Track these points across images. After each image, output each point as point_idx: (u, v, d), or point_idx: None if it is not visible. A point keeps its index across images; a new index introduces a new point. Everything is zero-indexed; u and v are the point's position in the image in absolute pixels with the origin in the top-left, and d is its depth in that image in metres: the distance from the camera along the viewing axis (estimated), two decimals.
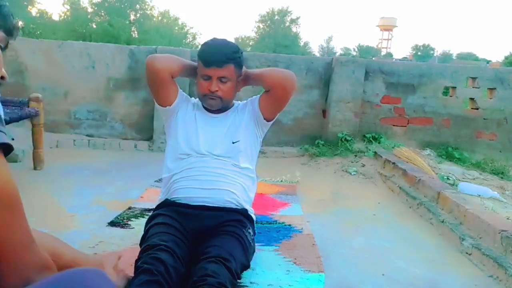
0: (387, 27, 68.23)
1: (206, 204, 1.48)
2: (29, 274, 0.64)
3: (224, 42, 1.51)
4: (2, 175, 0.53)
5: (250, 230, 1.51)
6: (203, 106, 1.60)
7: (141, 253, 1.27)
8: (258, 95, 1.64)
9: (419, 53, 51.49)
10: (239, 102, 1.69)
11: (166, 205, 1.53)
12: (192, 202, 1.48)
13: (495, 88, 3.99)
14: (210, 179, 1.50)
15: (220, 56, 1.45)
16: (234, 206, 1.52)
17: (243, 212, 1.54)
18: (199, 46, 1.53)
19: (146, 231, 1.43)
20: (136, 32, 24.94)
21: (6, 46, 0.76)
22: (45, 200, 2.31)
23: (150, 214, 1.58)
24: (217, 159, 1.52)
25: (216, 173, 1.51)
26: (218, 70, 1.45)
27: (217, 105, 1.54)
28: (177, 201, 1.51)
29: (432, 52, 52.52)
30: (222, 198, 1.49)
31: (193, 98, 1.71)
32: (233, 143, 1.54)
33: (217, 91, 1.48)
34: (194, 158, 1.52)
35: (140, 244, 1.41)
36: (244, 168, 1.57)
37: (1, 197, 0.57)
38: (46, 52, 3.83)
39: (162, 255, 1.22)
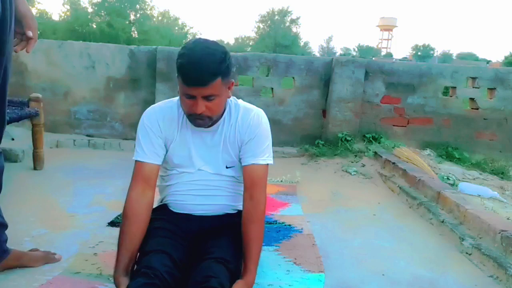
0: (387, 27, 68.26)
1: (206, 214, 1.46)
2: None
3: (206, 52, 1.20)
4: None
5: None
6: None
7: (139, 257, 1.28)
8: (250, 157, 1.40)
9: (419, 53, 51.48)
10: (234, 101, 1.44)
11: (164, 208, 1.51)
12: (192, 213, 1.47)
13: (495, 88, 3.99)
14: (207, 194, 1.44)
15: (202, 73, 1.19)
16: (234, 212, 1.51)
17: (240, 214, 1.51)
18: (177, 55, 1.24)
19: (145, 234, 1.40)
20: (136, 32, 24.96)
21: None
22: (45, 200, 2.31)
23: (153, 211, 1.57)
24: (212, 173, 1.45)
25: (212, 186, 1.44)
26: (202, 89, 1.21)
27: (206, 125, 1.33)
28: (176, 211, 1.49)
29: (432, 52, 52.52)
30: (222, 210, 1.48)
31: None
32: (227, 167, 1.44)
33: (204, 111, 1.26)
34: (188, 172, 1.44)
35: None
36: (240, 178, 1.49)
37: None
38: (46, 52, 3.83)
39: (159, 258, 1.22)
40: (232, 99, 1.42)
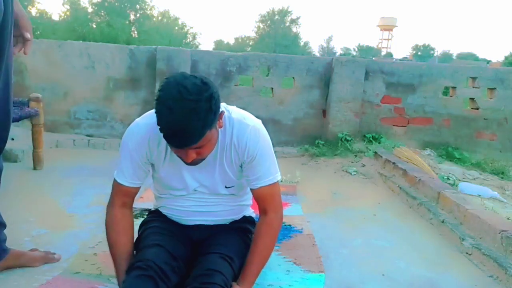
0: (387, 27, 68.23)
1: (205, 224, 1.42)
2: None
3: (187, 109, 1.02)
4: None
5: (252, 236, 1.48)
6: None
7: (134, 254, 1.27)
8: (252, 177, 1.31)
9: (419, 53, 51.49)
10: (227, 113, 1.27)
11: (161, 212, 1.48)
12: (189, 224, 1.42)
13: (495, 88, 3.99)
14: (204, 210, 1.38)
15: (186, 139, 1.06)
16: (238, 218, 1.48)
17: (245, 220, 1.49)
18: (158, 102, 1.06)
19: (140, 235, 1.39)
20: (136, 32, 24.97)
21: None
22: (45, 200, 2.31)
23: (149, 213, 1.56)
24: (208, 193, 1.37)
25: (210, 203, 1.38)
26: (190, 147, 1.11)
27: (198, 163, 1.22)
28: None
29: (432, 52, 52.54)
30: (220, 223, 1.44)
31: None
32: (226, 187, 1.36)
33: (194, 158, 1.16)
34: (182, 195, 1.37)
35: (135, 248, 1.37)
36: (240, 193, 1.45)
37: None
38: (46, 52, 3.83)
39: (153, 251, 1.21)
40: (226, 111, 1.26)
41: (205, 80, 1.08)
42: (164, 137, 1.09)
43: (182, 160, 1.19)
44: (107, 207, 1.33)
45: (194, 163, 1.19)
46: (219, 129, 1.22)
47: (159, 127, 1.07)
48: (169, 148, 1.26)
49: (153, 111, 1.21)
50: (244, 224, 1.45)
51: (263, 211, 1.34)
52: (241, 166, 1.32)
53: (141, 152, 1.26)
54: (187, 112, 1.02)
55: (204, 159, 1.21)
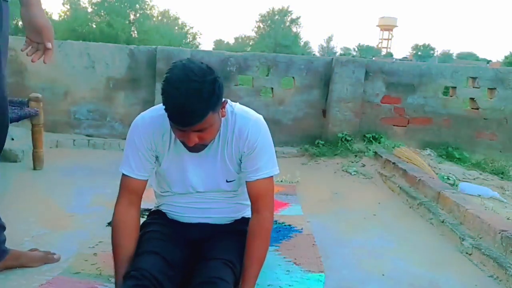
0: (387, 27, 68.28)
1: (205, 222, 1.43)
2: None
3: (192, 90, 1.07)
4: None
5: None
6: None
7: (132, 260, 1.26)
8: (250, 170, 1.32)
9: (419, 53, 51.51)
10: (230, 108, 1.31)
11: (161, 213, 1.48)
12: (190, 221, 1.43)
13: (495, 88, 3.99)
14: (205, 207, 1.40)
15: (190, 117, 1.09)
16: (238, 218, 1.49)
17: (245, 221, 1.47)
18: (165, 80, 1.10)
19: (139, 238, 1.36)
20: (136, 32, 24.99)
21: None
22: (45, 200, 2.31)
23: (149, 214, 1.56)
24: (210, 190, 1.39)
25: (211, 199, 1.40)
26: (193, 127, 1.13)
27: (200, 150, 1.25)
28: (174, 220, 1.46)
29: (432, 52, 52.54)
30: (221, 221, 1.45)
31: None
32: (227, 181, 1.37)
33: (196, 143, 1.18)
34: (184, 193, 1.39)
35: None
36: (240, 191, 1.46)
37: None
38: None
39: (149, 259, 1.21)
40: (228, 106, 1.28)
41: (210, 66, 1.14)
42: (169, 117, 1.12)
43: (185, 146, 1.21)
44: (115, 206, 1.34)
45: (196, 149, 1.22)
46: (222, 121, 1.25)
47: (164, 107, 1.11)
48: (173, 140, 1.29)
49: (157, 106, 1.30)
50: (244, 227, 1.44)
51: (256, 209, 1.33)
52: (240, 160, 1.33)
53: (146, 143, 1.29)
54: (192, 92, 1.07)
55: (206, 145, 1.24)
